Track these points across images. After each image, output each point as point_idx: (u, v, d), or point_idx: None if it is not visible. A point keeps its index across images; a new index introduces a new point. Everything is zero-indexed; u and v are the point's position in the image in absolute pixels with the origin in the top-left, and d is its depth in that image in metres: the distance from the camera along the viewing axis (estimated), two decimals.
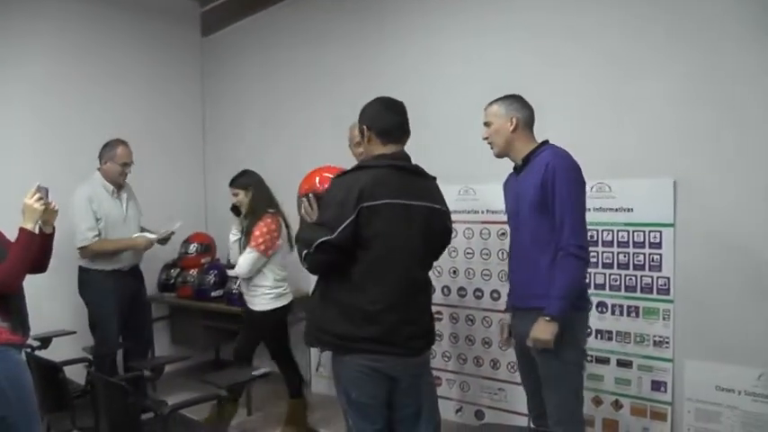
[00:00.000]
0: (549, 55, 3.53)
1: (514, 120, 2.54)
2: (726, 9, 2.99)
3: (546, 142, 2.57)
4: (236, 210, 3.82)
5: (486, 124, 2.61)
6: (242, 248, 3.65)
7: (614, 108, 3.33)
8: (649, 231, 3.21)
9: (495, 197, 3.25)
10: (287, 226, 3.77)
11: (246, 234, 3.63)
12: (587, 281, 2.76)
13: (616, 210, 3.30)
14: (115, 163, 3.92)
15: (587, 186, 2.53)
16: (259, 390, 4.24)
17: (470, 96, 3.72)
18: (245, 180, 3.74)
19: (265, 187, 3.79)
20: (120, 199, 4.04)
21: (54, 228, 2.73)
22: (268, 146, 5.02)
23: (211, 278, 4.61)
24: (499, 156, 2.63)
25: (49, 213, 2.63)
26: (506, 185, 2.75)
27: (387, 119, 2.43)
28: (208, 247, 4.89)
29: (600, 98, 3.37)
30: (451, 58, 3.95)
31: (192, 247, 4.80)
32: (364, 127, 2.45)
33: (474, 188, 3.71)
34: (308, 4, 4.71)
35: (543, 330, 2.36)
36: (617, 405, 3.33)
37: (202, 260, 4.79)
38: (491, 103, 2.62)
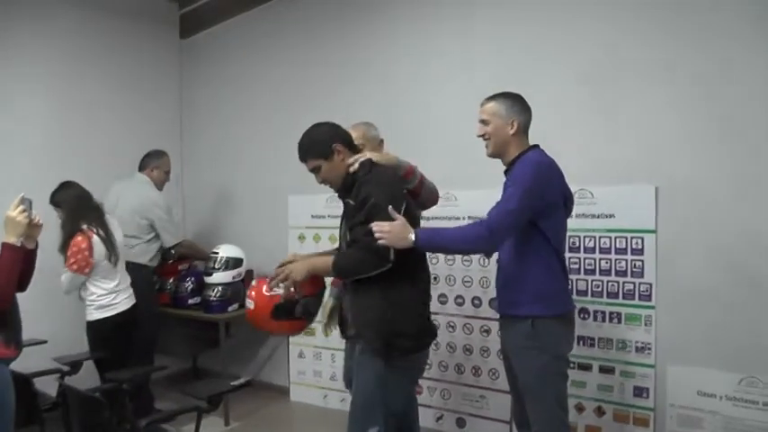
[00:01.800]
0: (530, 62, 3.52)
1: (515, 123, 2.44)
2: (710, 18, 3.00)
3: (535, 147, 2.49)
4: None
5: (483, 122, 2.48)
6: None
7: (596, 115, 3.32)
8: (631, 237, 3.21)
9: (475, 203, 3.25)
10: (109, 240, 3.54)
11: (62, 251, 3.48)
12: (569, 286, 2.66)
13: (598, 216, 3.29)
14: (162, 170, 4.32)
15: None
16: (237, 399, 4.16)
17: (451, 102, 3.72)
18: (60, 196, 3.53)
19: (78, 202, 3.52)
20: None
21: (37, 243, 2.57)
22: (246, 149, 4.98)
23: (189, 285, 4.53)
24: (492, 156, 2.52)
25: (32, 228, 2.44)
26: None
27: None
28: (184, 254, 4.78)
29: (582, 105, 3.37)
30: (435, 63, 3.92)
31: (171, 254, 4.66)
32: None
33: (455, 194, 3.67)
34: (290, 7, 4.67)
35: (401, 230, 2.23)
36: (599, 411, 3.31)
37: (180, 267, 4.71)
38: (490, 99, 2.49)
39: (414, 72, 4.00)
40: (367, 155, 2.48)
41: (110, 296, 3.58)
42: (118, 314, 3.60)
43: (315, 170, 2.46)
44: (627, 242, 3.22)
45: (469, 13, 3.76)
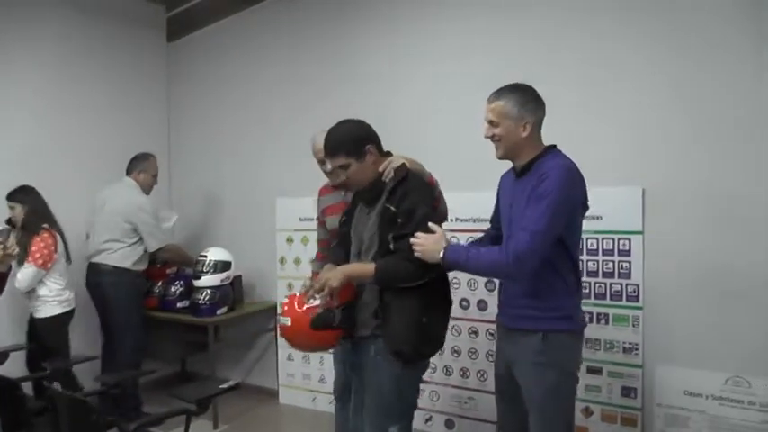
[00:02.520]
0: (518, 63, 3.51)
1: (528, 125, 2.19)
2: (699, 20, 3.03)
3: (552, 147, 2.27)
4: (10, 223, 3.78)
5: (492, 123, 2.23)
6: (20, 263, 3.63)
7: (584, 117, 3.32)
8: (618, 239, 3.22)
9: (462, 205, 3.26)
10: (63, 241, 3.82)
11: (24, 249, 3.61)
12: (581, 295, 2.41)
13: (585, 217, 3.23)
14: (149, 173, 4.30)
15: None
16: (225, 402, 4.10)
17: (439, 102, 3.72)
18: (22, 195, 3.75)
19: (42, 203, 3.79)
20: None
21: (10, 267, 2.62)
22: (234, 152, 4.96)
23: (177, 289, 4.49)
24: (503, 158, 2.30)
25: (6, 257, 2.58)
26: (503, 184, 2.45)
27: None
28: (169, 258, 4.74)
29: (569, 107, 3.33)
30: (427, 63, 3.92)
31: (159, 258, 4.66)
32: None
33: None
34: (276, 10, 4.66)
35: (435, 243, 2.16)
36: (587, 412, 3.32)
37: (168, 271, 4.68)
38: (499, 97, 2.22)
39: (406, 73, 4.00)
40: (400, 159, 2.40)
41: (66, 292, 3.79)
42: (72, 309, 3.84)
43: (341, 168, 2.37)
44: (614, 243, 3.24)
45: (461, 16, 3.76)
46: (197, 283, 4.28)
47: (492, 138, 2.25)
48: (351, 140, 2.35)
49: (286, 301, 2.43)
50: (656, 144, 3.14)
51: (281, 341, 4.48)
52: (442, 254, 2.16)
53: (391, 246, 2.26)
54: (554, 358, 2.18)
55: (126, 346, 4.05)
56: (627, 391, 3.22)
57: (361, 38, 4.22)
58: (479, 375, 3.64)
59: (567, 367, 2.25)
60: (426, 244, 2.18)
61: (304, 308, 2.33)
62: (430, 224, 2.22)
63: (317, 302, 2.30)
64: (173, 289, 4.51)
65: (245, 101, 4.87)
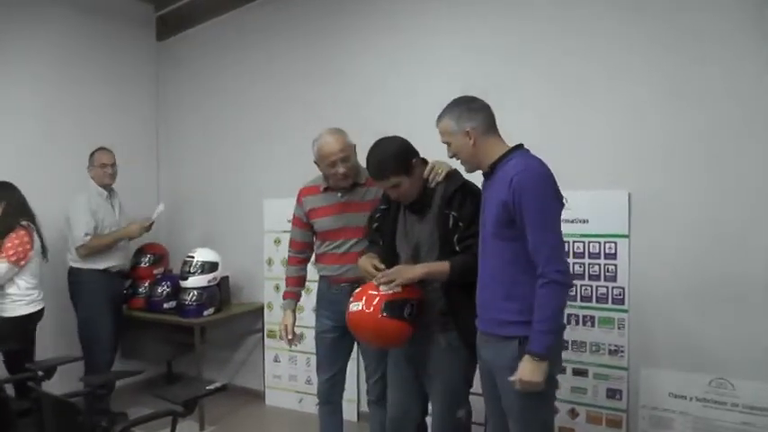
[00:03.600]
0: (503, 66, 3.55)
1: (471, 133, 2.23)
2: (682, 26, 3.04)
3: (517, 147, 2.27)
4: None
5: (446, 144, 2.32)
6: None
7: (570, 121, 3.35)
8: (605, 242, 3.24)
9: None
10: (40, 237, 3.81)
11: None
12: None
13: (572, 221, 3.28)
14: (95, 167, 4.15)
15: None
16: (212, 403, 4.06)
17: (421, 103, 3.72)
18: (0, 191, 3.72)
19: (18, 200, 3.75)
20: (113, 204, 4.28)
21: None
22: (222, 152, 4.95)
23: (164, 289, 4.47)
24: (471, 171, 2.38)
25: None
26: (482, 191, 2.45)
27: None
28: (161, 257, 4.75)
29: (555, 111, 3.39)
30: (414, 67, 3.94)
31: (145, 258, 4.65)
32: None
33: None
34: (267, 10, 4.65)
35: (533, 372, 2.06)
36: (573, 413, 3.34)
37: (155, 271, 4.65)
38: (440, 118, 2.31)
39: (397, 73, 4.00)
40: (443, 165, 2.53)
41: (35, 292, 3.75)
42: (41, 309, 3.78)
43: (394, 186, 2.46)
44: (600, 247, 3.26)
45: (460, 14, 3.75)
46: (184, 283, 4.26)
47: (453, 157, 2.34)
48: (395, 157, 2.44)
49: (359, 289, 2.49)
50: (643, 148, 3.15)
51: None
52: (538, 357, 2.08)
53: (457, 247, 2.41)
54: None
55: (92, 346, 4.01)
56: (612, 393, 3.24)
57: (354, 37, 4.20)
58: None
59: (549, 372, 2.18)
60: (525, 371, 2.11)
61: (381, 292, 2.39)
62: None
63: (392, 291, 2.39)
64: (159, 290, 4.48)
65: (233, 101, 4.86)
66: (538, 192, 2.11)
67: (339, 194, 2.98)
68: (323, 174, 2.99)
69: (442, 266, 2.41)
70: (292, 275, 3.17)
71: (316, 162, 2.95)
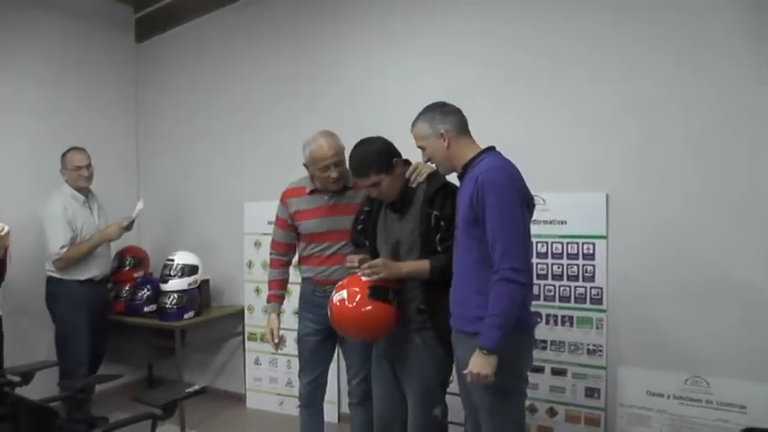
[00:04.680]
0: (479, 66, 3.57)
1: (445, 135, 2.29)
2: (663, 26, 3.07)
3: (489, 149, 2.32)
4: None
5: (421, 148, 2.38)
6: None
7: (549, 123, 3.37)
8: (583, 243, 3.28)
9: None
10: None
11: None
12: (530, 296, 2.37)
13: (550, 222, 3.35)
14: (69, 169, 3.94)
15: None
16: (192, 407, 4.07)
17: (402, 105, 3.72)
18: None
19: None
20: (90, 208, 4.08)
21: None
22: (202, 154, 4.92)
23: (145, 293, 4.45)
24: (447, 173, 2.46)
25: None
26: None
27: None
28: (141, 260, 4.73)
29: (534, 113, 3.42)
30: (393, 67, 3.96)
31: (126, 261, 4.63)
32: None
33: None
34: (246, 11, 4.64)
35: (482, 364, 2.11)
36: (552, 412, 3.37)
37: (135, 274, 4.63)
38: (413, 125, 2.39)
39: (380, 76, 4.02)
40: (425, 166, 2.56)
41: None
42: None
43: (374, 185, 2.51)
44: (578, 248, 3.29)
45: (448, 15, 3.75)
46: (164, 287, 4.23)
47: (428, 161, 2.42)
48: (377, 156, 2.50)
49: (340, 283, 2.53)
50: (621, 150, 3.18)
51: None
52: (486, 350, 2.12)
53: (439, 247, 2.45)
54: (499, 361, 2.14)
55: (67, 358, 3.87)
56: (591, 392, 3.28)
57: (337, 39, 4.20)
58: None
59: (515, 370, 2.25)
60: (476, 363, 2.16)
61: (362, 281, 2.44)
62: None
63: (370, 279, 2.44)
64: (140, 293, 4.46)
65: (214, 103, 4.84)
66: (499, 188, 2.14)
67: (327, 197, 2.97)
68: (311, 176, 2.97)
69: (423, 266, 2.46)
70: (275, 278, 3.15)
71: (305, 165, 2.94)
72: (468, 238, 2.25)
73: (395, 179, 2.53)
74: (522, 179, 2.25)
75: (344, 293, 2.46)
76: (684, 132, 3.03)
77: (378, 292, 2.42)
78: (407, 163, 2.61)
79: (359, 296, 2.43)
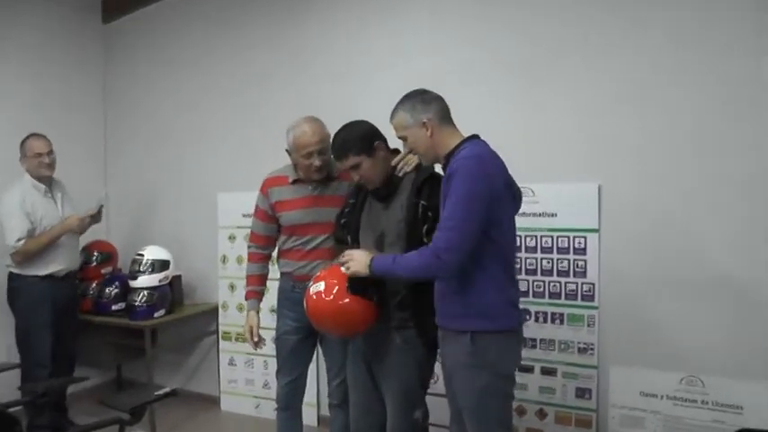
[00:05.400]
0: (468, 54, 3.56)
1: (427, 123, 2.27)
2: (651, 15, 3.07)
3: (472, 137, 2.30)
4: None
5: (402, 139, 2.36)
6: None
7: (538, 110, 3.37)
8: (574, 237, 3.28)
9: None
10: None
11: None
12: (517, 293, 2.40)
13: (539, 215, 3.34)
14: (28, 157, 3.87)
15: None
16: (163, 410, 4.07)
17: (386, 91, 3.72)
18: None
19: None
20: (54, 198, 4.00)
21: None
22: (174, 142, 4.89)
23: (112, 290, 4.41)
24: (429, 164, 2.44)
25: None
26: None
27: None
28: (109, 255, 4.69)
29: (523, 100, 3.42)
30: (376, 58, 3.93)
31: (92, 257, 4.58)
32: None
33: None
34: None
35: (358, 262, 2.28)
36: (541, 414, 3.38)
37: (103, 271, 4.59)
38: (393, 115, 2.36)
39: (355, 60, 3.99)
40: (413, 156, 2.53)
41: None
42: None
43: (353, 168, 2.51)
44: (569, 241, 3.30)
45: (407, 7, 3.77)
46: (133, 283, 4.20)
47: (410, 152, 2.43)
48: (359, 138, 2.50)
49: (318, 274, 2.52)
50: (614, 138, 3.18)
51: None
52: (368, 264, 2.25)
53: (425, 239, 2.38)
54: (485, 360, 2.16)
55: (28, 359, 3.84)
56: (582, 393, 3.29)
57: (315, 18, 4.16)
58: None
59: (501, 369, 2.24)
60: (355, 257, 2.30)
61: (341, 272, 2.40)
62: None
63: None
64: (108, 290, 4.42)
65: (186, 87, 4.79)
66: (465, 176, 2.12)
67: (311, 187, 2.95)
68: (294, 164, 2.95)
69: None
70: (254, 273, 3.12)
71: (288, 151, 2.92)
72: None
73: (377, 163, 2.52)
74: (503, 169, 2.24)
75: (322, 285, 2.44)
76: (682, 120, 3.03)
77: (356, 284, 2.38)
78: (396, 152, 2.61)
79: (336, 288, 2.40)
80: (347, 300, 2.39)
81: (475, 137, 2.31)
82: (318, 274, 2.52)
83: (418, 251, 2.21)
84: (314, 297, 2.44)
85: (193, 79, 4.75)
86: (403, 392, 2.55)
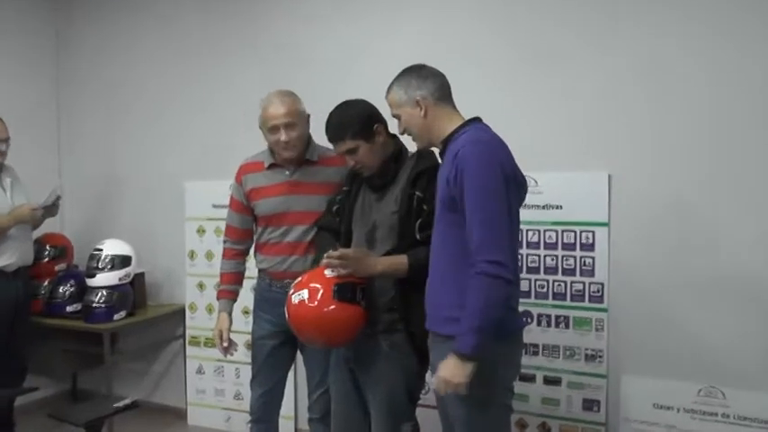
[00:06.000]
0: (473, 38, 3.49)
1: (421, 102, 2.23)
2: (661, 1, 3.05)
3: (473, 120, 2.26)
4: None
5: (396, 117, 2.33)
6: None
7: (543, 93, 3.33)
8: (581, 231, 3.24)
9: None
10: None
11: None
12: (517, 293, 2.33)
13: (543, 207, 3.31)
14: None
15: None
16: (123, 424, 3.94)
17: (377, 69, 3.63)
18: None
19: None
20: (3, 186, 3.88)
21: None
22: (136, 128, 4.72)
23: (67, 289, 4.28)
24: (424, 147, 2.40)
25: None
26: None
27: None
28: (63, 250, 4.54)
29: (526, 81, 3.37)
30: (361, 36, 3.83)
31: (45, 251, 4.44)
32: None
33: None
34: None
35: (453, 370, 2.02)
36: (544, 428, 3.35)
37: (56, 267, 4.46)
38: (388, 91, 2.34)
39: (337, 42, 3.90)
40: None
41: None
42: None
43: (349, 152, 2.47)
44: (576, 236, 3.25)
45: None
46: (90, 282, 4.08)
47: (403, 132, 2.37)
48: (357, 121, 2.46)
49: (300, 279, 2.44)
50: (625, 124, 3.14)
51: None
52: (461, 356, 2.03)
53: (418, 235, 2.38)
54: (479, 368, 2.04)
55: (23, 362, 3.82)
56: (589, 404, 3.25)
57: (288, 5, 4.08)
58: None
59: (498, 379, 2.18)
60: (359, 260, 2.31)
61: (326, 276, 2.36)
62: None
63: (336, 274, 2.36)
64: (62, 289, 4.29)
65: (149, 68, 4.64)
66: (480, 166, 2.06)
67: (288, 172, 2.89)
68: (269, 146, 2.92)
69: (400, 263, 2.38)
70: (228, 271, 3.06)
71: (260, 127, 2.89)
72: (446, 224, 2.19)
73: (375, 148, 2.48)
74: (510, 156, 2.17)
75: (305, 293, 2.36)
76: (699, 101, 2.99)
77: (344, 290, 2.33)
78: (393, 137, 2.57)
79: (321, 293, 2.33)
80: (332, 306, 2.32)
81: (477, 119, 2.27)
82: (300, 279, 2.45)
83: (470, 288, 2.03)
84: (296, 305, 2.38)
85: (157, 55, 4.60)
86: (389, 404, 2.49)
